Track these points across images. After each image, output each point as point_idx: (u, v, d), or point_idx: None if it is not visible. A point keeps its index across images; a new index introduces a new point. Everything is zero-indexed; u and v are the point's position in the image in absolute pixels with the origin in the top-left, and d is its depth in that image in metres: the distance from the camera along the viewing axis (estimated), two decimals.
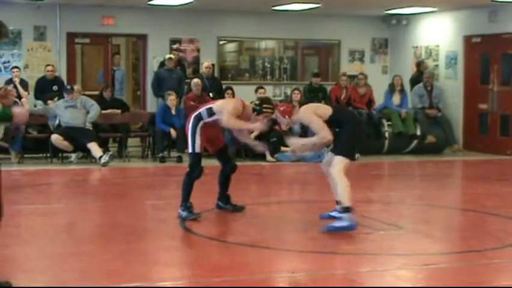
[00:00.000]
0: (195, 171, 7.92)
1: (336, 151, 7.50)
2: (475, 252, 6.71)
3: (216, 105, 7.96)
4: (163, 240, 7.14)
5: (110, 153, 12.99)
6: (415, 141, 15.03)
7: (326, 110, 7.56)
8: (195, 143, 7.88)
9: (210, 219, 8.24)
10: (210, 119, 7.88)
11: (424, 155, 14.68)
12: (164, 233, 7.51)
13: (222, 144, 8.32)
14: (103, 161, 12.61)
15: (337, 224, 7.30)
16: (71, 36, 15.74)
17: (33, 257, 6.39)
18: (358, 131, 7.74)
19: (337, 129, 7.58)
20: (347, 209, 7.28)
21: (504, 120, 15.28)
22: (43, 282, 5.63)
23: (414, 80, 16.05)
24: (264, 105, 7.82)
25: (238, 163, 13.37)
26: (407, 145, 15.06)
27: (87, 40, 16.54)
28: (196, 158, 7.92)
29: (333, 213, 7.67)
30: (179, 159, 13.33)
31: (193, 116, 7.93)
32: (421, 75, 16.00)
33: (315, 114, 7.48)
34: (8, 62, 15.09)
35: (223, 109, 7.81)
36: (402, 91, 15.70)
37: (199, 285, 5.63)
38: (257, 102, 8.01)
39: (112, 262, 6.24)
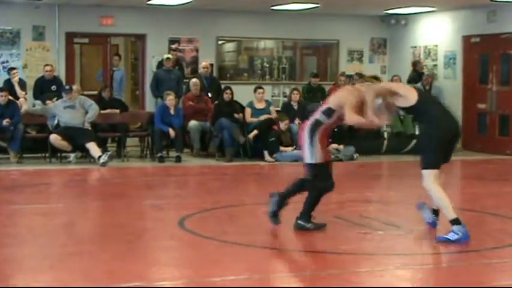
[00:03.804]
0: (326, 183, 7.32)
1: (422, 164, 7.09)
2: (474, 252, 6.71)
3: (333, 102, 7.31)
4: (162, 240, 7.15)
5: (109, 153, 12.99)
6: (414, 141, 15.02)
7: (410, 95, 7.10)
8: (314, 153, 7.24)
9: (209, 219, 8.24)
10: (331, 120, 7.32)
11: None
12: (164, 233, 7.51)
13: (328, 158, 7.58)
14: (101, 160, 12.61)
15: (450, 236, 6.94)
16: (70, 36, 15.75)
17: (32, 257, 6.38)
18: (445, 134, 7.15)
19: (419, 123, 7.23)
20: (455, 221, 6.98)
21: (503, 120, 15.29)
22: (42, 282, 5.62)
23: (411, 80, 16.03)
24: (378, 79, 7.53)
25: (237, 163, 13.51)
26: (406, 145, 15.06)
27: (86, 40, 16.56)
28: (317, 169, 7.28)
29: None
30: (178, 159, 13.34)
31: (308, 124, 7.29)
32: (418, 75, 16.00)
33: (384, 89, 7.19)
34: (7, 61, 15.08)
35: (343, 104, 7.21)
36: None
37: (198, 285, 5.63)
38: (372, 79, 7.51)
39: (111, 262, 6.24)
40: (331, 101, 7.35)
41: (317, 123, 7.27)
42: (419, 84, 15.58)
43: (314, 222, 7.39)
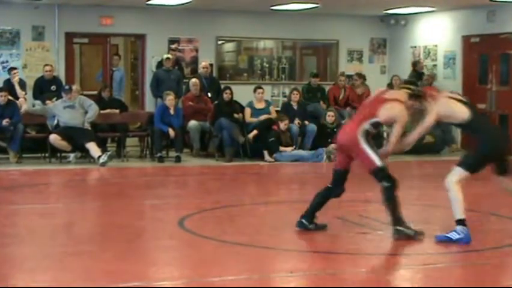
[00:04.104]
0: (395, 182, 7.17)
1: (462, 162, 7.08)
2: (474, 252, 6.71)
3: (383, 116, 7.16)
4: (162, 240, 7.14)
5: (108, 153, 12.98)
6: None
7: (462, 113, 7.02)
8: (378, 156, 7.13)
9: (209, 219, 8.24)
10: (376, 130, 7.30)
11: (422, 155, 14.67)
12: (163, 233, 7.51)
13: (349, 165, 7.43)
14: (101, 160, 12.60)
15: (450, 235, 6.97)
16: (69, 36, 15.75)
17: (32, 256, 6.38)
18: (495, 150, 7.12)
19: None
20: (461, 221, 6.98)
21: (502, 120, 15.28)
22: (42, 282, 5.62)
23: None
24: (419, 89, 7.37)
25: (236, 163, 13.50)
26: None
27: (85, 40, 16.57)
28: (384, 170, 7.15)
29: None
30: (178, 159, 13.33)
31: (359, 133, 7.08)
32: (418, 75, 16.01)
33: (444, 111, 7.04)
34: (7, 62, 15.08)
35: (394, 120, 7.15)
36: None
37: (197, 285, 5.62)
38: (411, 86, 7.35)
39: (110, 262, 6.23)
40: (382, 115, 7.13)
41: (367, 133, 7.13)
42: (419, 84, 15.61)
43: (316, 223, 7.36)
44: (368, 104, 7.48)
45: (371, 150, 7.09)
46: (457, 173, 7.03)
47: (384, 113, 7.14)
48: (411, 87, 7.32)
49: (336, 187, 7.38)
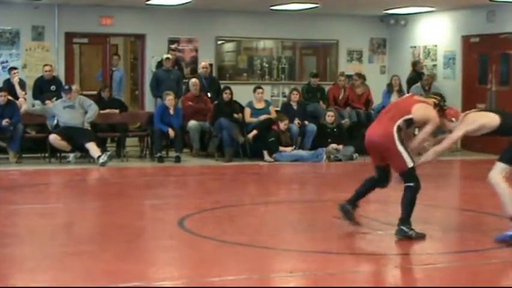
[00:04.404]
0: (419, 183, 7.24)
1: (503, 158, 7.11)
2: (474, 252, 6.72)
3: (417, 115, 7.14)
4: (162, 240, 7.14)
5: (108, 153, 12.98)
6: None
7: (492, 121, 7.06)
8: (411, 155, 7.14)
9: (209, 219, 8.24)
10: (409, 129, 7.30)
11: (422, 154, 14.66)
12: (163, 233, 7.51)
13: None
14: (101, 160, 12.60)
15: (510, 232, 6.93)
16: (69, 36, 15.74)
17: (31, 256, 6.38)
18: None
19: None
20: None
21: None
22: (42, 282, 5.62)
23: (411, 81, 16.04)
24: (444, 103, 7.33)
25: (236, 163, 13.50)
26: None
27: (85, 40, 16.57)
28: (414, 171, 7.19)
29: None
30: (178, 159, 13.33)
31: (395, 130, 7.05)
32: (417, 75, 16.00)
33: (473, 125, 7.08)
34: (6, 62, 15.08)
35: (429, 120, 7.15)
36: (400, 91, 15.71)
37: (197, 285, 5.63)
38: (438, 97, 7.35)
39: (110, 262, 6.23)
40: (417, 113, 7.13)
41: (400, 129, 7.10)
42: (418, 84, 15.60)
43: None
44: (396, 105, 7.55)
45: (405, 150, 7.09)
46: (499, 168, 7.04)
47: (420, 111, 7.16)
48: (439, 98, 7.34)
49: (382, 179, 7.45)
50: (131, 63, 18.45)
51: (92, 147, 12.83)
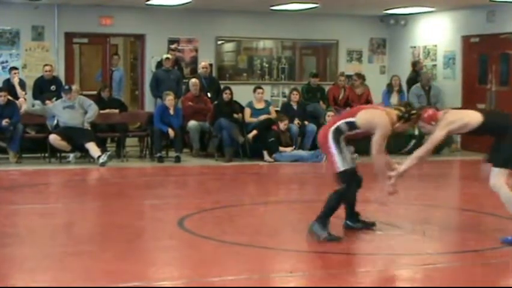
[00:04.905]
0: (349, 190, 7.09)
1: (497, 162, 6.95)
2: (473, 252, 6.72)
3: (360, 119, 7.00)
4: (162, 240, 7.15)
5: (108, 153, 12.98)
6: (413, 141, 15.00)
7: (473, 119, 6.93)
8: (344, 158, 6.99)
9: (209, 219, 8.24)
10: (352, 133, 7.06)
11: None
12: (163, 233, 7.51)
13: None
14: (101, 160, 12.61)
15: None
16: (69, 36, 15.75)
17: (31, 257, 6.38)
18: None
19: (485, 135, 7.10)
20: None
21: None
22: (41, 282, 5.63)
23: (411, 81, 16.05)
24: (412, 112, 7.07)
25: (236, 163, 13.50)
26: (405, 145, 15.05)
27: (85, 40, 16.57)
28: (348, 174, 7.02)
29: None
30: (178, 159, 13.34)
31: (331, 131, 7.00)
32: (417, 75, 16.01)
33: (454, 124, 6.95)
34: (6, 62, 15.08)
35: (375, 126, 6.97)
36: (400, 91, 15.73)
37: (197, 285, 5.63)
38: (402, 108, 7.12)
39: (110, 262, 6.24)
40: (360, 117, 7.00)
41: (339, 132, 7.00)
42: (418, 84, 15.60)
43: (363, 220, 7.28)
44: (352, 109, 7.52)
45: (338, 152, 6.98)
46: (500, 175, 6.94)
47: (363, 116, 7.03)
48: (402, 108, 7.14)
49: (356, 181, 7.32)
50: (131, 63, 18.46)
51: (92, 147, 12.84)
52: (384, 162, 7.17)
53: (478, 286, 5.67)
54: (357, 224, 7.45)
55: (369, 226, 7.49)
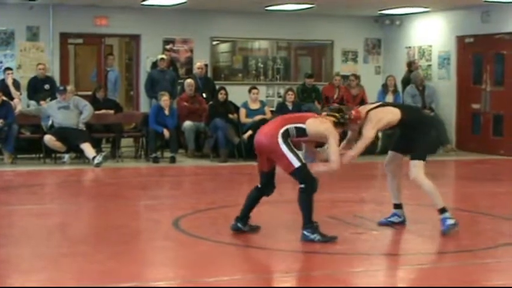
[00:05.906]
0: (312, 184, 6.99)
1: (415, 155, 7.30)
2: (468, 252, 6.73)
3: (310, 126, 7.00)
4: (157, 241, 7.14)
5: (103, 153, 12.98)
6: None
7: (395, 115, 7.28)
8: (297, 156, 6.95)
9: (204, 220, 8.24)
10: (296, 139, 7.03)
11: None
12: (158, 234, 7.51)
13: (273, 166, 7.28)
14: (96, 161, 12.60)
15: (447, 223, 7.22)
16: (64, 37, 15.73)
17: (27, 257, 6.38)
18: (435, 132, 7.48)
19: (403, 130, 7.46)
20: (443, 210, 7.31)
21: (497, 120, 15.32)
22: (37, 282, 5.62)
23: (406, 81, 16.07)
24: (345, 116, 7.15)
25: (231, 163, 13.49)
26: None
27: (80, 40, 16.55)
28: (305, 170, 6.98)
29: (392, 219, 7.69)
30: (173, 160, 13.34)
31: (280, 133, 6.94)
32: None
33: (380, 122, 7.25)
34: (1, 62, 15.07)
35: (325, 134, 6.98)
36: (395, 91, 15.74)
37: (192, 285, 5.63)
38: (337, 115, 7.14)
39: (105, 262, 6.23)
40: (309, 127, 7.00)
41: (288, 135, 6.96)
42: (413, 85, 15.61)
43: (250, 224, 7.30)
44: (292, 115, 7.71)
45: (290, 151, 6.94)
46: (419, 166, 7.28)
47: (311, 127, 7.00)
48: (336, 115, 7.17)
49: (266, 187, 7.35)
50: (126, 64, 18.44)
51: (87, 148, 12.83)
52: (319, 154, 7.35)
53: (471, 286, 5.67)
54: (246, 227, 7.35)
55: (254, 230, 7.39)
